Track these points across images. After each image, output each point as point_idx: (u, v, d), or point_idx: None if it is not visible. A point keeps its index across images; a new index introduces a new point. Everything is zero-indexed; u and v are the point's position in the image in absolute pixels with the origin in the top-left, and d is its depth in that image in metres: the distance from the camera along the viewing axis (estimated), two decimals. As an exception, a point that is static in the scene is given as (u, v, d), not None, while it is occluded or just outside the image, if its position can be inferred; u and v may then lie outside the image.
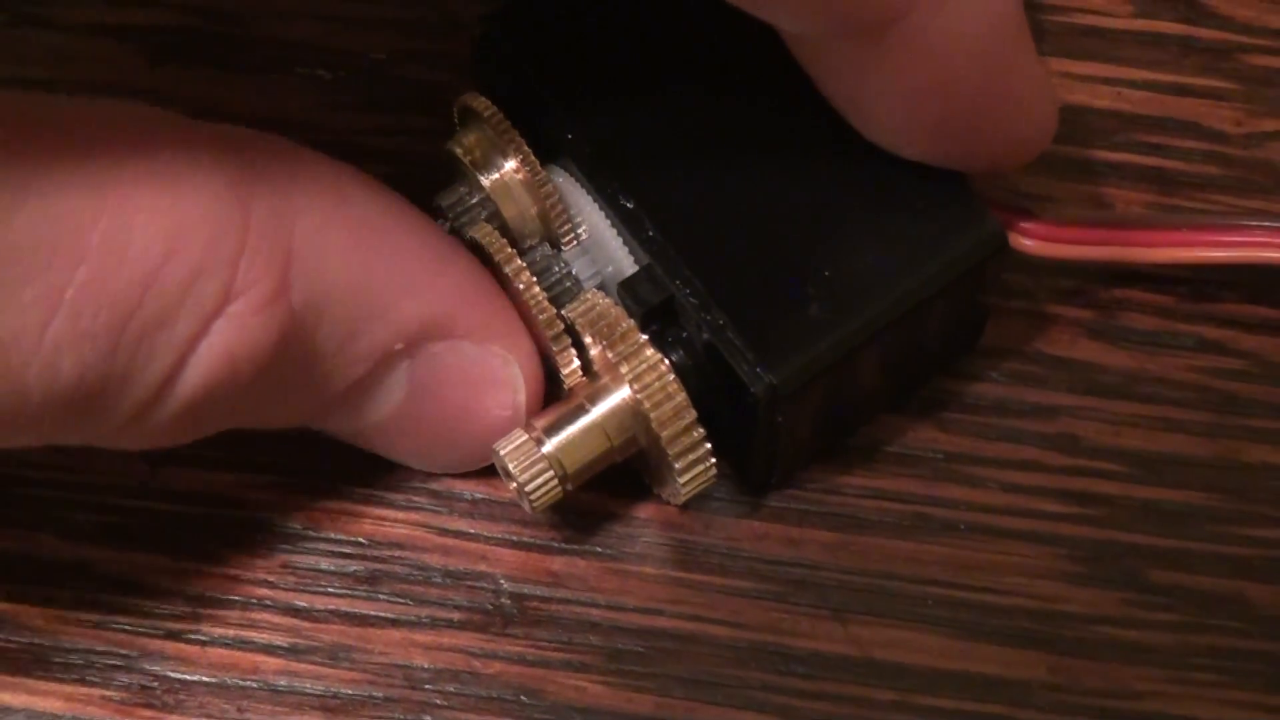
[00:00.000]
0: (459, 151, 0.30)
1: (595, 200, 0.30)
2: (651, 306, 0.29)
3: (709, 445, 0.29)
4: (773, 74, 0.29)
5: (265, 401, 0.28)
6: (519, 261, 0.30)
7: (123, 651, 0.30)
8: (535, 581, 0.31)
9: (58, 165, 0.25)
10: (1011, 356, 0.32)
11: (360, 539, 0.31)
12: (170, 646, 0.30)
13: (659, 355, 0.29)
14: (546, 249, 0.30)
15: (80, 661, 0.30)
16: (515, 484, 0.29)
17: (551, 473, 0.29)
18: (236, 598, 0.31)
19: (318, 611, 0.31)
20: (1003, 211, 0.30)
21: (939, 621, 0.31)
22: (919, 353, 0.31)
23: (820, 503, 0.31)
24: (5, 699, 0.30)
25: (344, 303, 0.28)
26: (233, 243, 0.26)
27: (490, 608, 0.31)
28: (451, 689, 0.30)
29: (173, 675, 0.30)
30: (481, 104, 0.30)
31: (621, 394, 0.29)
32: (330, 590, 0.31)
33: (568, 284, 0.30)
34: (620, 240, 0.30)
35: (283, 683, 0.30)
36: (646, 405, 0.29)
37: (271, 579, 0.31)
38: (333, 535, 0.31)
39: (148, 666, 0.30)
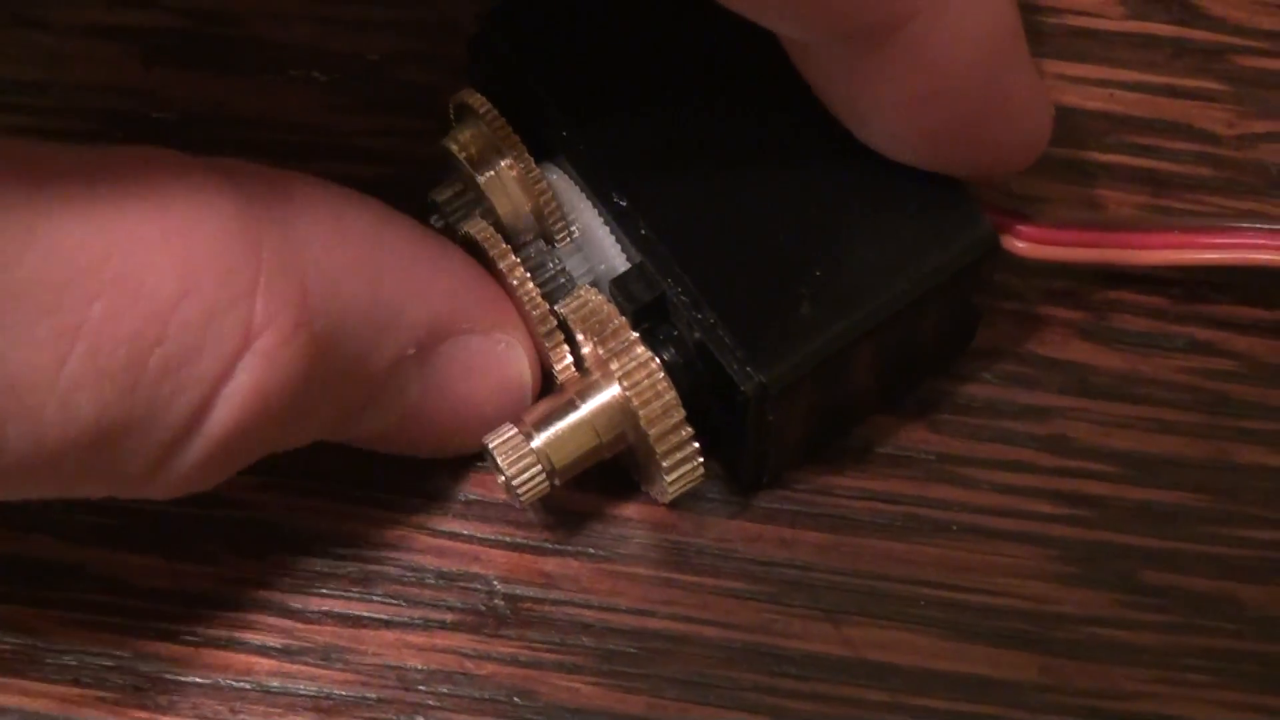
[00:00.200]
0: (454, 148, 0.30)
1: (589, 198, 0.30)
2: (643, 304, 0.29)
3: (697, 444, 0.29)
4: (768, 74, 0.29)
5: (288, 430, 0.28)
6: (513, 257, 0.30)
7: (116, 652, 0.30)
8: (528, 583, 0.31)
9: (66, 205, 0.25)
10: (1004, 358, 0.32)
11: (353, 540, 0.31)
12: (163, 647, 0.30)
13: (649, 353, 0.29)
14: (541, 245, 0.30)
15: (74, 662, 0.30)
16: (503, 478, 0.29)
17: (539, 467, 0.29)
18: (229, 599, 0.31)
19: (311, 612, 0.31)
20: (995, 213, 0.30)
21: (931, 622, 0.31)
22: (911, 353, 0.31)
23: (812, 503, 0.32)
24: (-1, 700, 0.30)
25: (358, 321, 0.28)
26: (247, 276, 0.26)
27: (483, 609, 0.31)
28: (444, 690, 0.30)
29: (166, 676, 0.30)
30: (477, 101, 0.30)
31: (611, 391, 0.29)
32: (323, 591, 0.31)
33: (561, 280, 0.30)
34: (613, 238, 0.30)
35: (276, 683, 0.30)
36: (635, 403, 0.29)
37: (265, 580, 0.31)
38: (326, 536, 0.31)
39: (141, 667, 0.30)
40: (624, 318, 0.29)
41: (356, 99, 0.34)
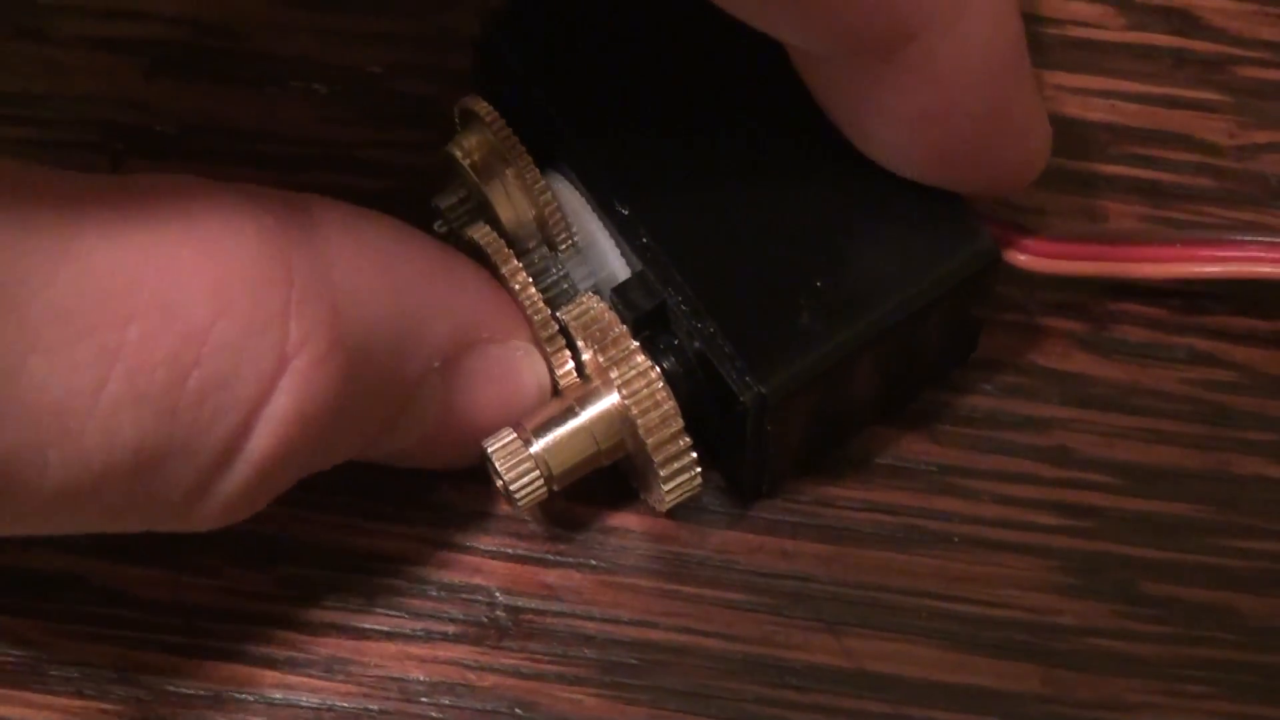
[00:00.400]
0: (459, 154, 0.30)
1: (591, 205, 0.30)
2: (643, 313, 0.29)
3: (695, 454, 0.29)
4: (772, 84, 0.29)
5: (323, 451, 0.28)
6: (516, 262, 0.30)
7: (119, 665, 0.30)
8: (530, 594, 0.31)
9: (98, 229, 0.25)
10: (1004, 369, 0.32)
11: (355, 552, 0.31)
12: (166, 660, 0.30)
13: (649, 362, 0.29)
14: (544, 251, 0.30)
15: (76, 674, 0.30)
16: (501, 482, 0.29)
17: (537, 473, 0.29)
18: (231, 611, 0.31)
19: (313, 624, 0.31)
20: (996, 226, 0.30)
21: (932, 633, 0.31)
22: (911, 365, 0.31)
23: (814, 515, 0.32)
24: (1, 712, 0.30)
25: (386, 337, 0.28)
26: (279, 297, 0.26)
27: (485, 620, 0.31)
28: (446, 701, 0.30)
29: (168, 688, 0.30)
30: (482, 108, 0.30)
31: (610, 399, 0.29)
32: (325, 603, 0.31)
33: (564, 286, 0.30)
34: (614, 246, 0.30)
35: (278, 695, 0.30)
36: (634, 411, 0.29)
37: (266, 592, 0.31)
38: (327, 548, 0.31)
39: (144, 680, 0.30)
40: (624, 326, 0.29)
41: (357, 111, 0.34)
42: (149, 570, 0.31)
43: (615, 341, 0.29)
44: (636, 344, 0.29)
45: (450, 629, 0.31)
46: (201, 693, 0.30)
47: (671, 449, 0.29)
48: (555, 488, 0.30)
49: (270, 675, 0.31)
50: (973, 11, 0.27)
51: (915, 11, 0.26)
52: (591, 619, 0.31)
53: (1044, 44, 0.34)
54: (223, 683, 0.30)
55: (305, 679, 0.30)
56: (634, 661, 0.31)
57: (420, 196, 0.31)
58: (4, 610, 0.31)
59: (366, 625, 0.31)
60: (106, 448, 0.25)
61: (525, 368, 0.30)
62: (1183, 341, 0.33)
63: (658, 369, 0.29)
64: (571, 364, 0.30)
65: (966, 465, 0.32)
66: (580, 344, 0.29)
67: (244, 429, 0.26)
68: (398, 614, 0.31)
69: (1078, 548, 0.31)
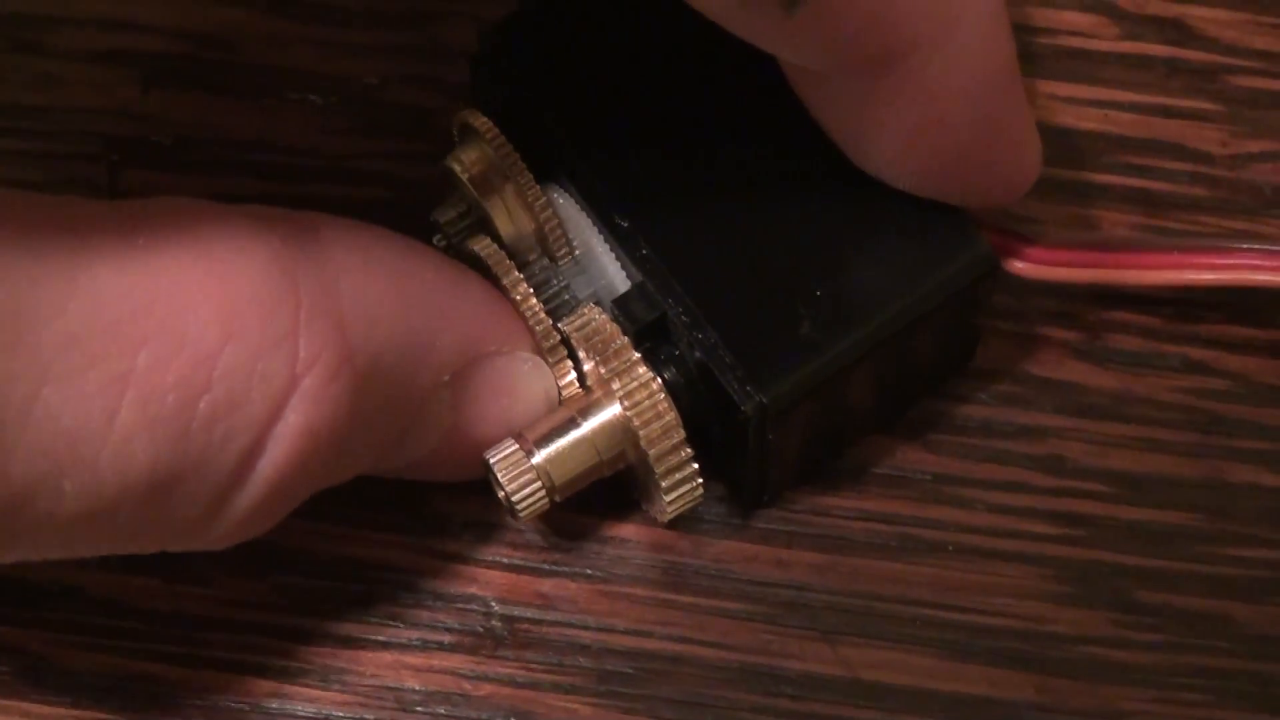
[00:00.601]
0: (458, 169, 0.30)
1: (590, 218, 0.30)
2: (644, 324, 0.29)
3: (696, 465, 0.29)
4: (770, 96, 0.29)
5: (334, 467, 0.28)
6: (517, 274, 0.30)
7: (115, 674, 0.30)
8: (526, 604, 0.31)
9: (105, 256, 0.25)
10: (999, 378, 0.32)
11: (350, 561, 0.31)
12: (162, 669, 0.31)
13: (651, 373, 0.29)
14: (545, 263, 0.30)
15: (73, 684, 0.30)
16: (503, 493, 0.29)
17: (539, 484, 0.29)
18: (227, 620, 0.31)
19: (309, 634, 0.31)
20: (994, 234, 0.30)
21: (927, 642, 0.31)
22: (910, 373, 0.31)
23: (809, 524, 0.32)
24: (-1, 722, 0.30)
25: (395, 352, 0.28)
26: (288, 317, 0.26)
27: (481, 630, 0.31)
28: (442, 711, 0.30)
29: (165, 698, 0.30)
30: (481, 122, 0.30)
31: (612, 410, 0.29)
32: (321, 612, 0.31)
33: (565, 297, 0.30)
34: (614, 258, 0.30)
35: (274, 705, 0.30)
36: (636, 423, 0.29)
37: (262, 602, 0.31)
38: (323, 557, 0.31)
39: (140, 689, 0.30)
40: (626, 337, 0.29)
41: (354, 122, 0.34)
42: (146, 580, 0.31)
43: (617, 353, 0.29)
44: (638, 355, 0.29)
45: (446, 638, 0.31)
46: (198, 702, 0.30)
47: (673, 460, 0.29)
48: (557, 498, 0.30)
49: (266, 685, 0.31)
50: (963, 29, 0.27)
51: (906, 30, 0.27)
52: (587, 628, 0.31)
53: (1038, 54, 0.35)
54: (219, 692, 0.30)
55: (301, 688, 0.31)
56: (629, 671, 0.31)
57: (418, 207, 0.31)
58: (2, 620, 0.31)
59: (362, 635, 0.31)
60: (120, 474, 0.26)
61: (533, 379, 0.30)
62: (1176, 350, 0.33)
63: (659, 380, 0.29)
64: (573, 375, 0.30)
65: (961, 474, 0.32)
66: (582, 355, 0.30)
67: (256, 449, 0.27)
68: (394, 623, 0.31)
69: (1072, 556, 0.31)
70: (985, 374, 0.32)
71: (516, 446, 0.29)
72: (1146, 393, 0.32)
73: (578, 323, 0.29)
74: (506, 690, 0.31)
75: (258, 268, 0.26)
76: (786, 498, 0.32)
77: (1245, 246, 0.30)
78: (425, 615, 0.31)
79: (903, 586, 0.31)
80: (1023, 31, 0.34)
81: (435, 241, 0.31)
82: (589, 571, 0.31)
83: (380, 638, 0.31)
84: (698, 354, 0.29)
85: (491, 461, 0.29)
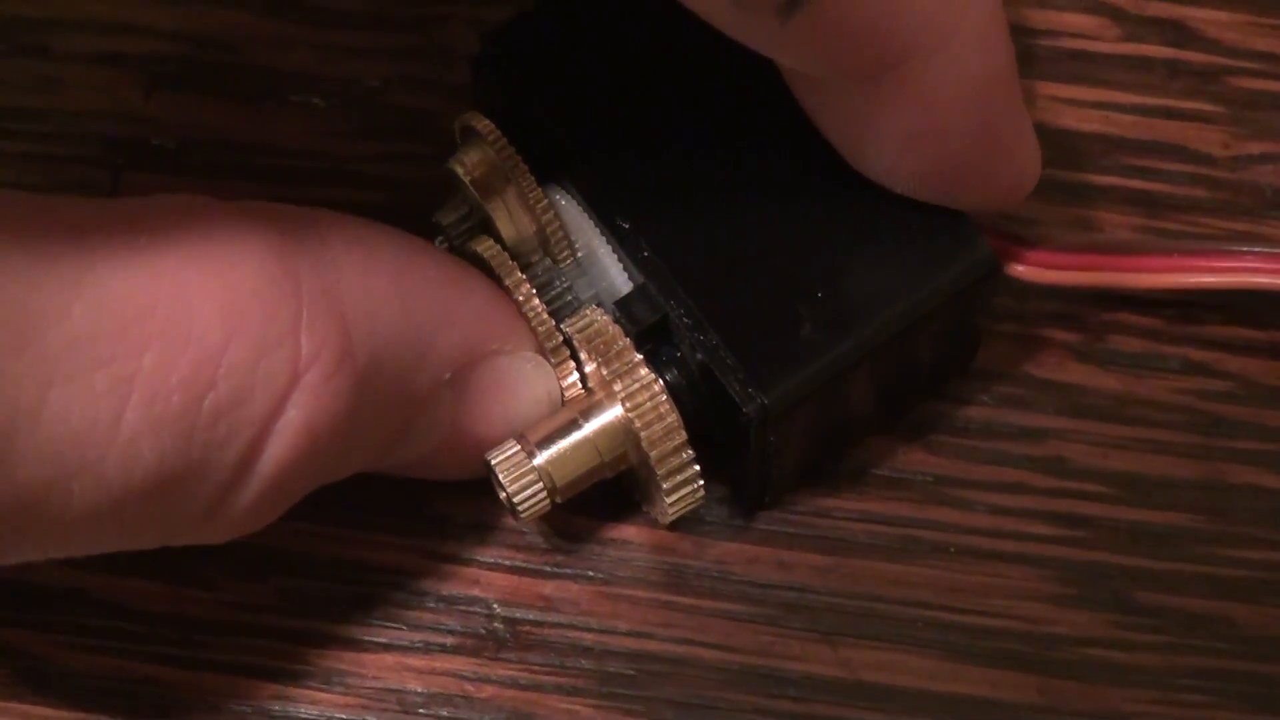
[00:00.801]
0: (460, 171, 0.30)
1: (592, 220, 0.30)
2: (646, 326, 0.29)
3: (698, 467, 0.29)
4: (771, 98, 0.30)
5: (334, 463, 0.29)
6: (520, 274, 0.30)
7: (117, 677, 0.31)
8: (528, 605, 0.31)
9: (109, 258, 0.26)
10: (1000, 379, 0.32)
11: (352, 563, 0.31)
12: (164, 671, 0.31)
13: (653, 375, 0.29)
14: (547, 264, 0.30)
15: (76, 686, 0.30)
16: (505, 494, 0.29)
17: (541, 485, 0.29)
18: (230, 623, 0.31)
19: (311, 636, 0.31)
20: (995, 236, 0.30)
21: (928, 644, 0.31)
22: (912, 374, 0.31)
23: (810, 526, 0.32)
24: (2, 724, 0.30)
25: (396, 350, 0.28)
26: (289, 314, 0.27)
27: (483, 632, 0.31)
28: (445, 713, 0.31)
29: (167, 701, 0.30)
30: (483, 124, 0.30)
31: (614, 411, 0.29)
32: (324, 615, 0.31)
33: (568, 299, 0.30)
34: (616, 260, 0.30)
35: (277, 707, 0.30)
36: (638, 424, 0.29)
37: (264, 604, 0.31)
38: (325, 560, 0.31)
39: (142, 692, 0.30)
40: (628, 339, 0.29)
41: (355, 124, 0.34)
42: (148, 583, 0.31)
43: (619, 354, 0.29)
44: (640, 357, 0.29)
45: (448, 640, 0.31)
46: (200, 705, 0.30)
47: (675, 461, 0.29)
48: (558, 500, 0.30)
49: (269, 687, 0.31)
50: (961, 34, 0.27)
51: (903, 36, 0.27)
52: (589, 630, 0.31)
53: (1038, 56, 0.35)
54: (221, 695, 0.30)
55: (304, 691, 0.31)
56: (631, 672, 0.31)
57: (419, 209, 0.31)
58: (4, 623, 0.31)
59: (365, 637, 0.31)
60: (126, 473, 0.26)
61: (536, 379, 0.30)
62: (1177, 352, 0.33)
63: (661, 382, 0.29)
64: (575, 376, 0.30)
65: (962, 476, 0.32)
66: (584, 357, 0.30)
67: (257, 445, 0.27)
68: (396, 626, 0.31)
69: (1073, 557, 0.31)
70: (986, 375, 0.32)
71: (518, 447, 0.29)
72: (1147, 394, 0.32)
73: (580, 324, 0.29)
74: (509, 692, 0.31)
75: (259, 265, 0.27)
76: (787, 499, 0.32)
77: (1246, 249, 0.30)
78: (427, 617, 0.31)
79: (904, 588, 0.31)
80: (1023, 33, 0.35)
81: (438, 243, 0.31)
82: (591, 573, 0.31)
83: (382, 640, 0.31)
84: (699, 355, 0.29)
85: (493, 462, 0.29)
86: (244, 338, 0.26)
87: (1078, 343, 0.33)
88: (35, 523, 0.26)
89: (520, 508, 0.29)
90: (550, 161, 0.30)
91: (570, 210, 0.30)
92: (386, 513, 0.31)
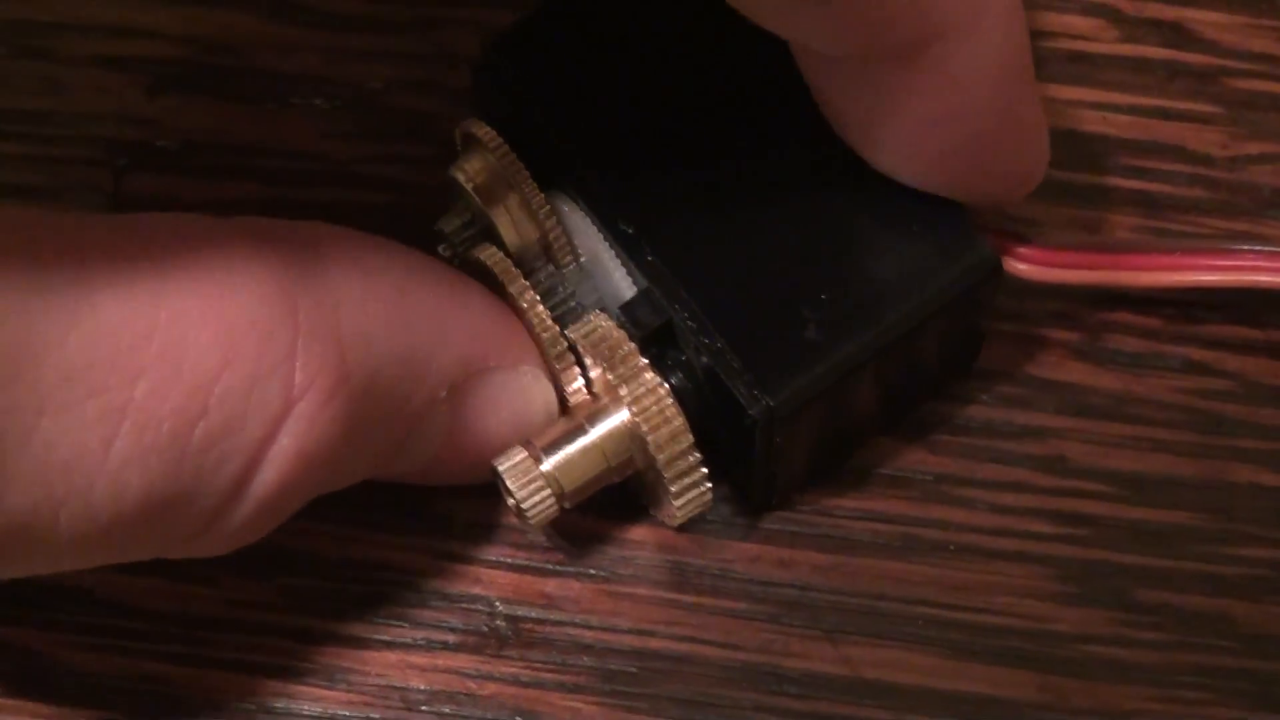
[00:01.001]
0: (461, 178, 0.30)
1: (595, 224, 0.30)
2: (651, 330, 0.29)
3: (705, 469, 0.29)
4: (772, 101, 0.30)
5: (328, 481, 0.29)
6: (523, 282, 0.30)
7: (122, 675, 0.31)
8: (530, 603, 0.31)
9: (108, 284, 0.25)
10: (1000, 379, 0.32)
11: (355, 562, 0.31)
12: (168, 669, 0.31)
13: (658, 379, 0.29)
14: (551, 270, 0.30)
15: (79, 685, 0.31)
16: (513, 500, 0.29)
17: (549, 491, 0.29)
18: (233, 621, 0.31)
19: (314, 634, 0.31)
20: (996, 236, 0.30)
21: (930, 641, 0.31)
22: (915, 375, 0.31)
23: (812, 524, 0.32)
24: (6, 722, 0.30)
25: (393, 371, 0.28)
26: (285, 341, 0.26)
27: (485, 630, 0.31)
28: (447, 710, 0.31)
29: (171, 698, 0.30)
30: (484, 132, 0.30)
31: (620, 416, 0.29)
32: (327, 613, 0.31)
33: (572, 304, 0.30)
34: (619, 264, 0.30)
35: (280, 705, 0.31)
36: (644, 428, 0.29)
37: (268, 602, 0.31)
38: (330, 558, 0.31)
39: (146, 690, 0.31)
40: (633, 344, 0.29)
41: (358, 126, 0.34)
42: (152, 581, 0.31)
43: (624, 359, 0.29)
44: (645, 361, 0.29)
45: (451, 638, 0.31)
46: (204, 703, 0.30)
47: (682, 465, 0.29)
48: (566, 505, 0.30)
49: (272, 685, 0.31)
50: (991, 14, 0.27)
51: (937, 16, 0.26)
52: (591, 628, 0.31)
53: (1038, 57, 0.34)
54: (225, 693, 0.31)
55: (307, 688, 0.31)
56: (633, 670, 0.31)
57: (421, 211, 0.32)
58: (8, 621, 0.31)
59: (368, 635, 0.31)
60: (115, 500, 0.26)
61: (534, 393, 0.30)
62: (1177, 351, 0.33)
63: (666, 385, 0.29)
64: (581, 381, 0.30)
65: (963, 474, 0.32)
66: (589, 362, 0.30)
67: (249, 471, 0.27)
68: (399, 624, 0.31)
69: (1074, 556, 0.31)
70: (987, 375, 0.32)
71: (525, 454, 0.29)
72: (1147, 393, 0.32)
73: (584, 330, 0.29)
74: (511, 690, 0.31)
75: (256, 291, 0.26)
76: (790, 498, 0.32)
77: (1245, 248, 0.30)
78: (430, 615, 0.31)
79: (905, 586, 0.31)
80: (1023, 35, 0.35)
81: (440, 251, 0.31)
82: (593, 571, 0.31)
83: (385, 638, 0.31)
84: (704, 359, 0.29)
85: (500, 469, 0.29)
86: (239, 365, 0.26)
87: (1078, 342, 0.33)
88: (22, 546, 0.26)
89: (529, 514, 0.29)
90: (552, 167, 0.30)
91: (573, 216, 0.30)
92: (389, 511, 0.32)
